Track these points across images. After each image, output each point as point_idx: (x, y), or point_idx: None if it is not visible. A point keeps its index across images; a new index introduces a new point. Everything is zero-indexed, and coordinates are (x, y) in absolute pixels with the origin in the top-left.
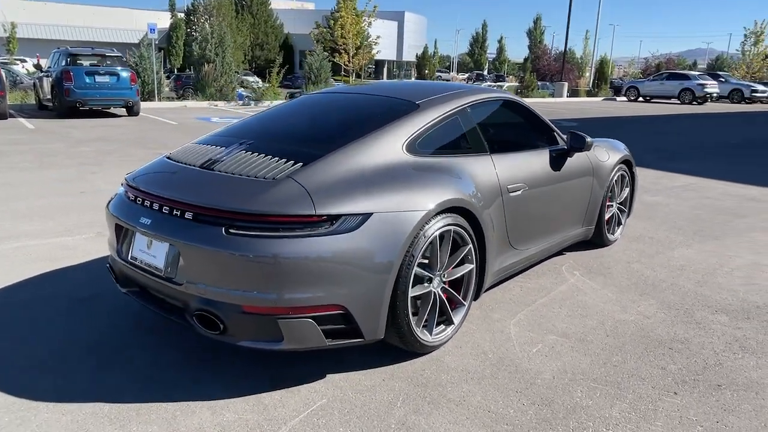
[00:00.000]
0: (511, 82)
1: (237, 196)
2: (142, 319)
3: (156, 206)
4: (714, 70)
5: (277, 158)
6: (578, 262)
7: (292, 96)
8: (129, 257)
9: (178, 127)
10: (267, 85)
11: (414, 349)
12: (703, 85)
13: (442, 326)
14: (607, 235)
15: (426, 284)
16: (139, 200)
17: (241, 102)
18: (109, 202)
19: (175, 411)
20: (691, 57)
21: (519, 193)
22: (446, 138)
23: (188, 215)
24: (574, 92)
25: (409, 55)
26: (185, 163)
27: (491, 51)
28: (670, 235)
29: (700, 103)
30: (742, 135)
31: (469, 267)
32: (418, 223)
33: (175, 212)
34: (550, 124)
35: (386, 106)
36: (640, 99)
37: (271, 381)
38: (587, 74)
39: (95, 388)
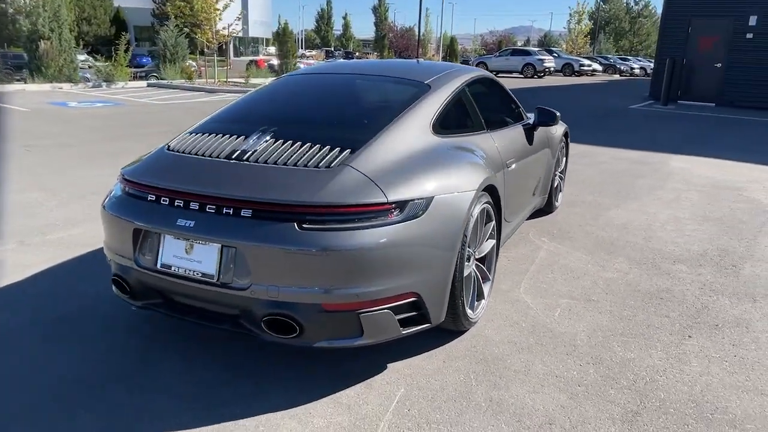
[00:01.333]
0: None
1: (302, 188)
2: (147, 334)
3: (195, 205)
4: (544, 46)
5: (318, 145)
6: (539, 230)
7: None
8: (157, 265)
9: (37, 114)
10: (107, 64)
11: (461, 328)
12: (542, 60)
13: (476, 302)
14: (555, 202)
15: (467, 262)
16: (165, 200)
17: (90, 84)
18: (107, 203)
19: (257, 427)
20: (518, 34)
21: (513, 167)
22: (457, 117)
23: (245, 213)
24: None
25: (256, 31)
26: (205, 156)
27: (337, 28)
28: (597, 199)
29: (540, 77)
30: (599, 105)
31: (492, 242)
32: (471, 203)
33: (225, 211)
34: (517, 100)
35: (399, 88)
36: None
37: (333, 379)
38: (430, 52)
39: (145, 416)
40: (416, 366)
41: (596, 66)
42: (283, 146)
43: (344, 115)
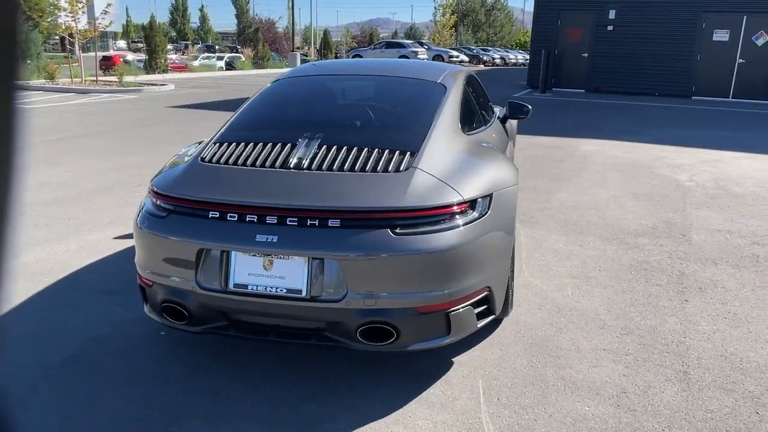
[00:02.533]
0: (231, 54)
1: (386, 194)
2: (203, 362)
3: (273, 219)
4: (410, 38)
5: (376, 150)
6: None
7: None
8: (229, 286)
9: None
10: None
11: (507, 315)
12: (416, 52)
13: None
14: None
15: None
16: (232, 216)
17: None
18: (150, 223)
19: None
20: (380, 26)
21: None
22: (468, 114)
23: (333, 222)
24: (303, 62)
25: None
26: (257, 166)
27: (194, 20)
28: (538, 183)
29: None
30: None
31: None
32: (517, 195)
33: (310, 222)
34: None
35: (418, 88)
36: None
37: (412, 381)
38: (297, 44)
39: None
40: (479, 358)
41: (463, 57)
42: (341, 153)
43: (382, 117)
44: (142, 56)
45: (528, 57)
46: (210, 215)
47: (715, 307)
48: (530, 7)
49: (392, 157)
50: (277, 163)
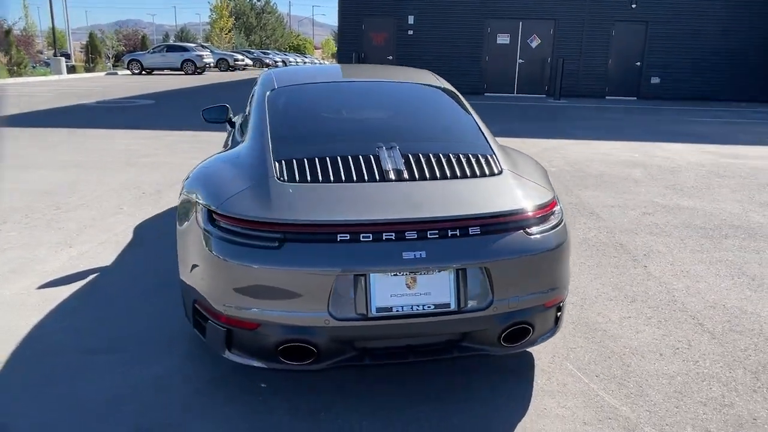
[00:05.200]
0: None
1: (508, 197)
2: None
3: (412, 234)
4: (182, 41)
5: (457, 155)
6: None
7: None
8: (371, 311)
9: None
10: None
11: None
12: (201, 56)
13: None
14: None
15: None
16: (366, 236)
17: None
18: (257, 258)
19: None
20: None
21: None
22: None
23: (474, 231)
24: (71, 68)
25: None
26: (354, 181)
27: None
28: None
29: (200, 73)
30: None
31: None
32: None
33: (451, 233)
34: None
35: (436, 94)
36: (144, 72)
37: (509, 377)
38: (36, 48)
39: None
40: (542, 346)
41: (248, 61)
42: (427, 160)
43: (429, 123)
44: None
45: (310, 61)
46: (339, 238)
47: (670, 268)
48: (295, 11)
49: (475, 162)
50: (376, 176)
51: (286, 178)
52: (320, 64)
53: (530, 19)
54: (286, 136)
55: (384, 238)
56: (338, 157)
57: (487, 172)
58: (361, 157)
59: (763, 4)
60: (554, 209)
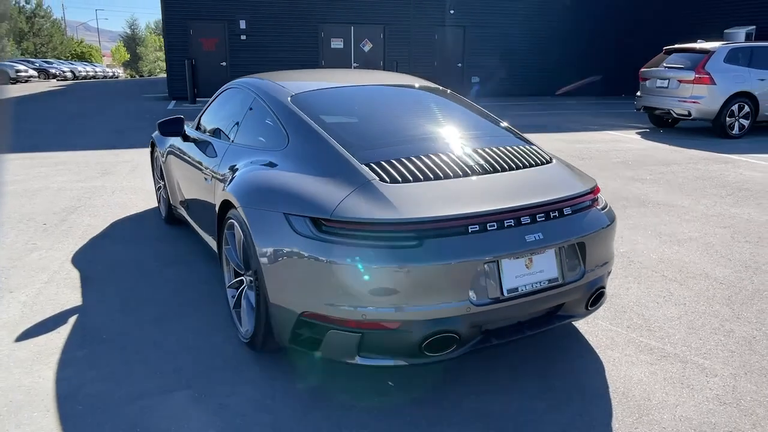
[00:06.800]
0: None
1: (574, 180)
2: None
3: (526, 219)
4: None
5: (510, 147)
6: None
7: None
8: (503, 293)
9: None
10: None
11: None
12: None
13: None
14: None
15: None
16: (492, 225)
17: None
18: (398, 257)
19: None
20: None
21: None
22: None
23: (567, 211)
24: None
25: None
26: (458, 176)
27: None
28: None
29: None
30: (137, 108)
31: None
32: None
33: (553, 215)
34: None
35: (441, 93)
36: None
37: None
38: None
39: None
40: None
41: (32, 71)
42: (494, 154)
43: (467, 121)
44: None
45: (101, 70)
46: (470, 230)
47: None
48: (70, 15)
49: (528, 152)
50: (466, 171)
51: (388, 179)
52: (113, 72)
53: (361, 24)
54: (352, 139)
55: (506, 225)
56: (422, 156)
57: (542, 160)
58: (440, 154)
59: (560, 9)
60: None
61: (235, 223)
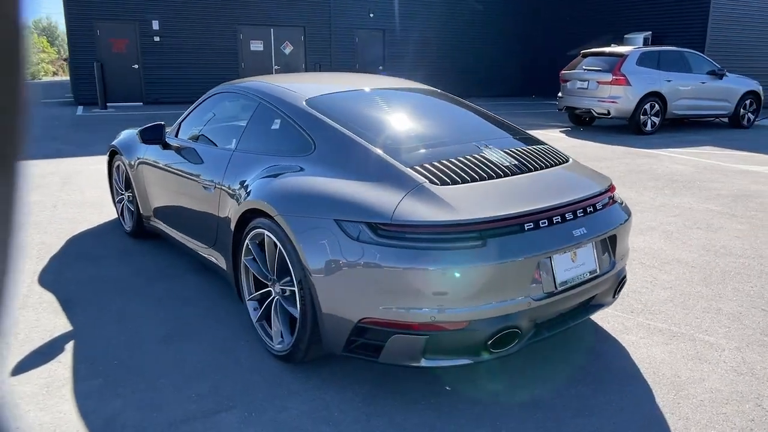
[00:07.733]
0: None
1: (591, 179)
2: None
3: (570, 215)
4: None
5: (532, 147)
6: None
7: None
8: (556, 287)
9: None
10: None
11: None
12: None
13: None
14: None
15: None
16: (543, 222)
17: None
18: (466, 259)
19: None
20: None
21: None
22: None
23: (599, 206)
24: None
25: None
26: (493, 177)
27: None
28: None
29: None
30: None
31: None
32: None
33: (589, 210)
34: None
35: (442, 95)
36: None
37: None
38: None
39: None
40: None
41: None
42: (521, 154)
43: (480, 123)
44: None
45: None
46: (526, 227)
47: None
48: None
49: (548, 152)
50: (505, 171)
51: (438, 182)
52: None
53: (280, 26)
54: (387, 142)
55: (554, 221)
56: (461, 158)
57: (563, 159)
58: (477, 155)
59: (471, 13)
60: None
61: (266, 232)
